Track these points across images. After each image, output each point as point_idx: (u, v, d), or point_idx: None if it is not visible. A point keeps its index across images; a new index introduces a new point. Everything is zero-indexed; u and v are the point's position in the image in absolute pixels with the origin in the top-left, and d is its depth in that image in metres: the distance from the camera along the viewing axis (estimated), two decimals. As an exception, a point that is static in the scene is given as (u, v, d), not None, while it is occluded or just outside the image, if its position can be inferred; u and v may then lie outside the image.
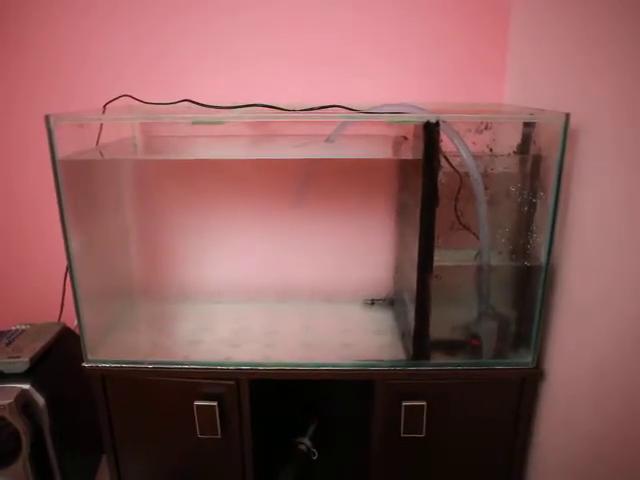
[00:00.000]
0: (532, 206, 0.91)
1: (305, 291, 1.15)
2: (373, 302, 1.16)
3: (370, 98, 1.11)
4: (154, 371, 0.95)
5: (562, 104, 0.89)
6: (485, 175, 0.91)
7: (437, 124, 0.82)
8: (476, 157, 0.89)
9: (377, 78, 1.12)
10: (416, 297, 0.90)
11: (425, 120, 0.82)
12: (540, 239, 0.90)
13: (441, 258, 0.92)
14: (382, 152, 1.01)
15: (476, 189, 0.86)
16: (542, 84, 0.97)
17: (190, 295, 1.16)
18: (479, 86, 1.11)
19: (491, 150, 0.95)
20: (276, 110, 0.94)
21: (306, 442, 1.16)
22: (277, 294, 1.16)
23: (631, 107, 0.71)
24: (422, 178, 0.84)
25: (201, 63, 1.12)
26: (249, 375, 0.94)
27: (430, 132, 0.82)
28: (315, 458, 1.14)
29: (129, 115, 1.05)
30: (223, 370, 0.94)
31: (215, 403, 0.94)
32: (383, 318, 1.09)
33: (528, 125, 0.92)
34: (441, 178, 0.84)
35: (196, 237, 1.14)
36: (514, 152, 0.94)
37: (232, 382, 0.94)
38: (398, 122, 0.88)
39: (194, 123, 0.89)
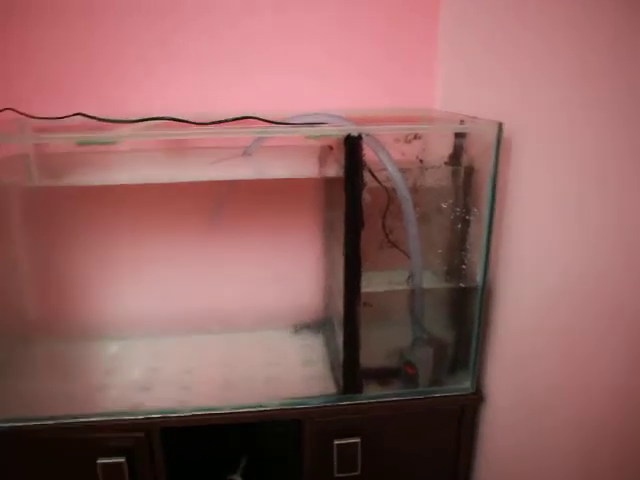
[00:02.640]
0: (466, 222, 0.84)
1: (227, 321, 1.03)
2: (297, 329, 1.05)
3: (292, 104, 1.01)
4: (52, 427, 0.81)
5: (496, 111, 0.81)
6: (415, 190, 0.83)
7: (359, 138, 0.72)
8: (405, 170, 0.81)
9: (300, 84, 1.01)
10: (344, 328, 0.81)
11: (346, 133, 0.72)
12: (475, 258, 0.83)
13: (370, 282, 0.83)
14: (304, 167, 0.90)
15: (405, 206, 0.78)
16: (473, 89, 0.89)
17: (95, 332, 1.02)
18: (409, 90, 1.03)
19: (421, 161, 0.87)
20: (182, 124, 0.82)
21: (237, 479, 1.07)
22: (196, 326, 1.04)
23: (565, 117, 0.64)
24: (345, 197, 0.74)
25: (108, 70, 0.97)
26: (161, 424, 0.83)
27: (352, 147, 0.73)
28: (247, 495, 1.05)
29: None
30: (130, 421, 0.83)
31: (123, 459, 0.82)
32: (313, 346, 1.00)
33: (460, 134, 0.85)
34: (365, 196, 0.75)
35: (100, 268, 1.00)
36: (445, 163, 0.87)
37: (141, 434, 0.82)
38: (316, 137, 0.78)
39: (79, 143, 0.75)
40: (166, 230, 0.98)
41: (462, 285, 0.85)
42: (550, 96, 0.67)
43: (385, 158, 0.76)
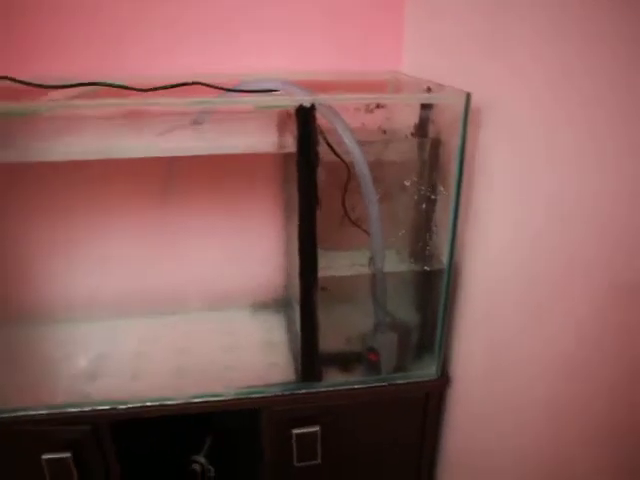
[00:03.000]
0: (432, 200, 0.78)
1: (183, 301, 0.98)
2: (256, 309, 0.99)
3: (250, 68, 0.92)
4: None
5: (465, 77, 0.74)
6: (377, 164, 0.76)
7: (312, 108, 0.65)
8: (366, 143, 0.74)
9: (260, 46, 0.92)
10: (300, 313, 0.76)
11: (298, 103, 0.65)
12: (442, 238, 0.78)
13: (331, 263, 0.78)
14: (260, 140, 0.82)
15: (363, 183, 0.71)
16: (443, 53, 0.81)
17: (41, 316, 0.95)
18: (375, 53, 0.94)
19: (384, 132, 0.80)
20: (122, 90, 0.74)
21: (200, 460, 1.04)
22: (150, 307, 0.98)
23: (538, 88, 0.57)
24: (297, 174, 0.68)
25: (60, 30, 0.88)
26: (109, 417, 0.78)
27: (304, 118, 0.65)
28: (212, 476, 1.02)
29: None
30: (76, 413, 0.78)
31: (69, 454, 0.78)
32: (273, 328, 0.95)
33: (427, 104, 0.77)
34: (320, 173, 0.69)
35: (47, 248, 0.93)
36: (412, 134, 0.80)
37: (88, 427, 0.78)
38: (265, 108, 0.70)
39: (-5, 114, 0.67)
40: (115, 207, 0.91)
41: (427, 268, 0.79)
42: (522, 65, 0.60)
43: (342, 130, 0.68)
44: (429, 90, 0.78)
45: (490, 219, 0.70)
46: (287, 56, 0.94)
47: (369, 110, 0.79)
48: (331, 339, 0.81)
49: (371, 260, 0.76)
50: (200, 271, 0.93)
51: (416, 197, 0.78)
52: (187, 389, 0.80)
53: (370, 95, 0.75)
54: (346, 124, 0.68)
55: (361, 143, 0.72)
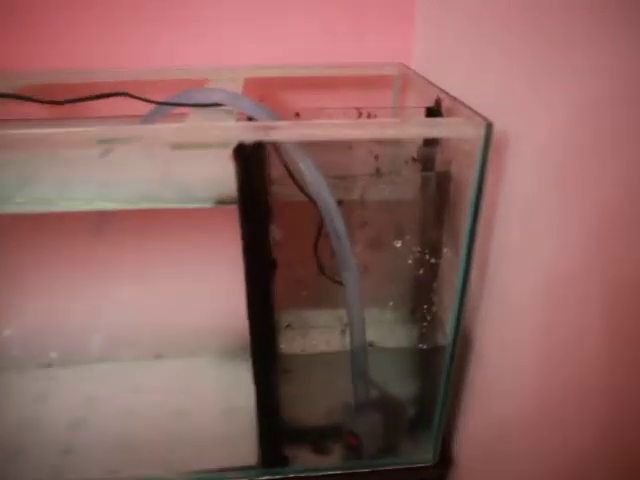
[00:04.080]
0: (434, 255, 0.58)
1: (137, 346, 0.80)
2: (221, 358, 0.78)
3: (242, 59, 0.73)
4: None
5: (482, 79, 0.53)
6: (361, 205, 0.57)
7: (261, 148, 0.45)
8: (345, 178, 0.55)
9: (248, 33, 0.72)
10: (255, 393, 0.59)
11: (237, 140, 0.45)
12: (446, 302, 0.59)
13: (300, 330, 0.61)
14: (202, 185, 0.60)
15: (332, 230, 0.51)
16: (457, 52, 0.60)
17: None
18: (383, 44, 0.73)
19: (376, 158, 0.60)
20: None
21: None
22: (98, 353, 0.80)
23: (573, 112, 0.37)
24: (241, 234, 0.49)
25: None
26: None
27: (245, 161, 0.46)
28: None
29: None
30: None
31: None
32: (240, 383, 0.76)
33: (434, 111, 0.56)
34: (275, 233, 0.50)
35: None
36: (413, 159, 0.59)
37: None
38: (187, 147, 0.50)
39: None
40: (43, 237, 0.73)
41: (424, 346, 0.61)
42: (558, 78, 0.39)
43: (304, 166, 0.49)
44: (438, 103, 0.57)
45: (510, 283, 0.51)
46: (281, 45, 0.74)
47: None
48: (301, 414, 0.65)
49: (345, 329, 0.58)
50: (159, 311, 0.76)
51: (414, 250, 0.59)
52: (127, 470, 0.65)
53: (349, 129, 0.51)
54: (308, 160, 0.48)
55: (335, 180, 0.53)
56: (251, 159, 0.45)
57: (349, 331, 0.55)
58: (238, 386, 0.75)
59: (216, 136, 0.44)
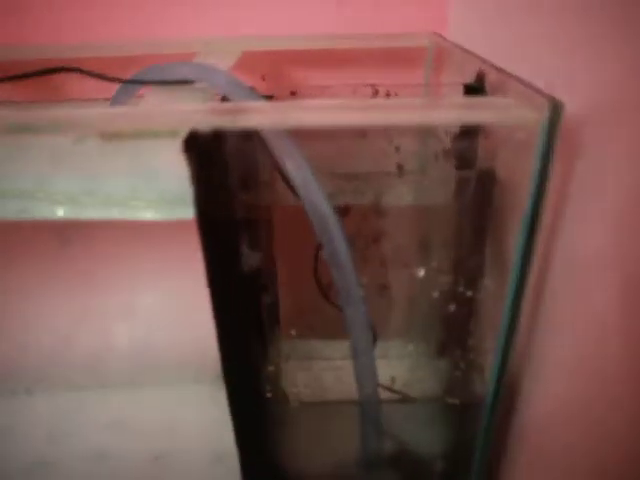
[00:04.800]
0: (472, 279, 0.44)
1: (103, 375, 0.67)
2: (205, 385, 0.63)
3: (259, 28, 0.60)
4: None
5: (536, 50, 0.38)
6: (376, 212, 0.43)
7: (216, 139, 0.32)
8: (356, 177, 0.41)
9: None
10: (238, 451, 0.47)
11: (189, 128, 0.32)
12: (485, 345, 0.45)
13: (299, 367, 0.48)
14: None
15: (327, 242, 0.38)
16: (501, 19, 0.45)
17: None
18: (409, 7, 0.59)
19: (397, 150, 0.46)
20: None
21: None
22: (60, 381, 0.68)
23: None
24: (201, 249, 0.36)
25: None
26: None
27: (202, 159, 0.33)
28: None
29: None
30: None
31: None
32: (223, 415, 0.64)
33: (474, 89, 0.42)
34: (245, 254, 0.37)
35: None
36: (444, 153, 0.45)
37: None
38: (126, 139, 0.37)
39: None
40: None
41: (454, 401, 0.47)
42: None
43: (289, 162, 0.36)
44: (480, 78, 0.42)
45: (576, 325, 0.37)
46: (287, 12, 0.61)
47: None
48: (297, 462, 0.52)
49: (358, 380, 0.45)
50: (127, 334, 0.65)
51: (444, 274, 0.45)
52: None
53: (351, 113, 0.37)
54: (296, 152, 0.35)
55: (341, 181, 0.39)
56: (210, 153, 0.32)
57: (355, 379, 0.42)
58: (221, 420, 0.63)
59: (161, 122, 0.31)
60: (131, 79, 0.43)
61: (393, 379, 0.51)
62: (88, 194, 0.36)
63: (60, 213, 0.34)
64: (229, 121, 0.32)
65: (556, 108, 0.31)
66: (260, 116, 0.32)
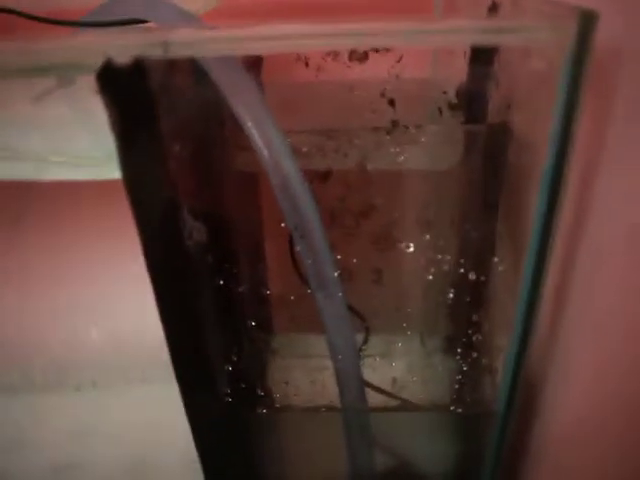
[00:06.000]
0: (478, 270, 0.36)
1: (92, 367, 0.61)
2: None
3: None
4: None
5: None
6: (363, 178, 0.36)
7: (143, 74, 0.25)
8: (339, 134, 0.34)
9: None
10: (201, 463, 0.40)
11: (101, 59, 0.25)
12: (497, 340, 0.37)
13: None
14: None
15: (289, 215, 0.30)
16: None
17: None
18: None
19: (392, 103, 0.38)
20: None
21: None
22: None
23: None
24: (134, 220, 0.29)
25: None
26: None
27: (123, 99, 0.26)
28: None
29: None
30: None
31: None
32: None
33: (482, 52, 0.34)
34: (195, 233, 0.29)
35: None
36: (450, 106, 0.37)
37: None
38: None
39: None
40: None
41: (460, 410, 0.39)
42: None
43: (245, 112, 0.28)
44: (494, 8, 0.34)
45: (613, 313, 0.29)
46: None
47: (358, 58, 0.37)
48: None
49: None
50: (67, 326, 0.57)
51: (445, 259, 0.36)
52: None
53: (318, 38, 0.28)
54: (251, 92, 0.27)
55: (321, 138, 0.32)
56: (135, 92, 0.25)
57: (336, 381, 0.34)
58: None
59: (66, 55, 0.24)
60: (75, 21, 0.37)
61: (395, 380, 0.44)
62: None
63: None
64: (161, 49, 0.24)
65: (588, 20, 0.23)
66: (200, 45, 0.25)
